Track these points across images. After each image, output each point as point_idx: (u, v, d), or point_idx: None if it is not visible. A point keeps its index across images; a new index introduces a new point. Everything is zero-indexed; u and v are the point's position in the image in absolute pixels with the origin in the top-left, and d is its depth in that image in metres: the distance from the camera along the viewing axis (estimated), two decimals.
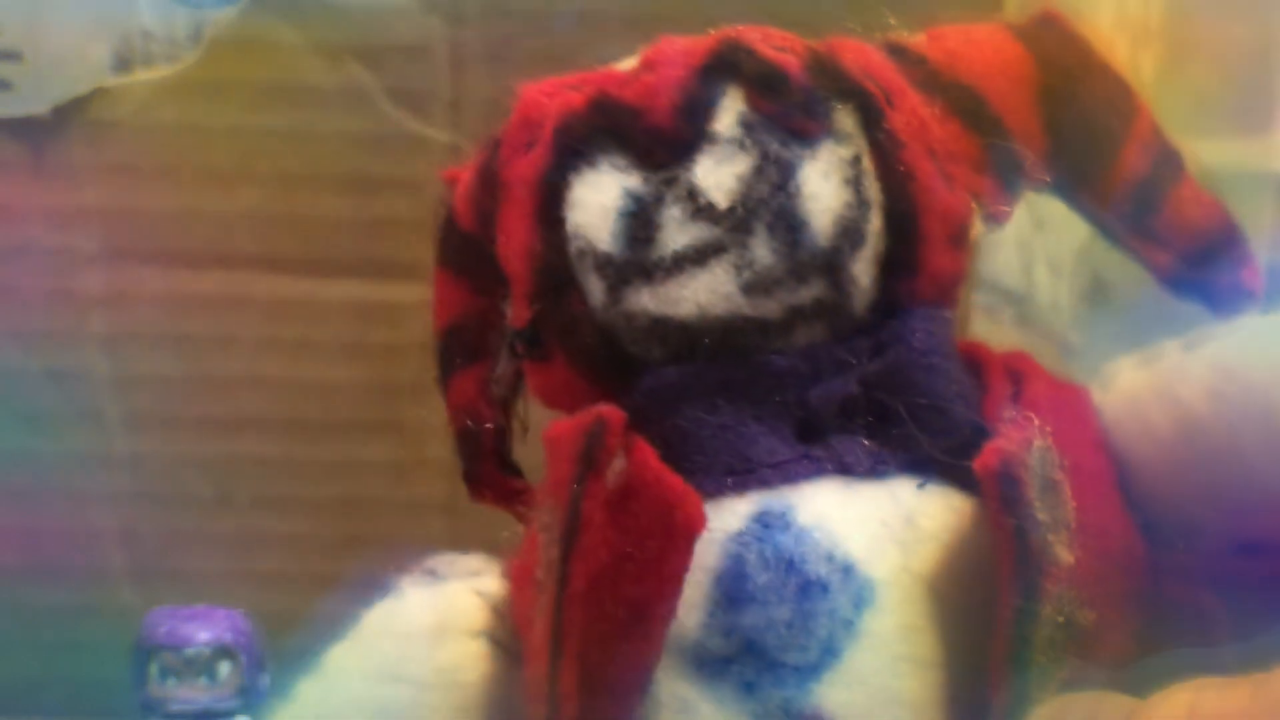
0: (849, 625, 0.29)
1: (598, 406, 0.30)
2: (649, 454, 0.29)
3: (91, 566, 0.58)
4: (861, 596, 0.29)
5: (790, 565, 0.29)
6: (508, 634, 0.33)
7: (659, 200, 0.31)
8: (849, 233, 0.31)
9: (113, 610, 0.57)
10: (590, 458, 0.29)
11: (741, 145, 0.31)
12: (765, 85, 0.31)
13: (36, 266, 0.55)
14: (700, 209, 0.31)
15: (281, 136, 0.55)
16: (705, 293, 0.31)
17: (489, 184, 0.34)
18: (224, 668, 0.48)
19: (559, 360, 0.33)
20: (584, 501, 0.29)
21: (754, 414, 0.31)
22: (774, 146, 0.31)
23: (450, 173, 0.37)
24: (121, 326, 0.56)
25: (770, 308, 0.31)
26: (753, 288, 0.31)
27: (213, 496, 0.58)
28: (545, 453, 0.32)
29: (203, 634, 0.47)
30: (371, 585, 0.40)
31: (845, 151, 0.31)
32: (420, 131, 0.55)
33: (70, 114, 0.54)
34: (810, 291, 0.31)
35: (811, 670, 0.29)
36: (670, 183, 0.31)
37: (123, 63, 0.54)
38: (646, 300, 0.31)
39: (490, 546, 0.58)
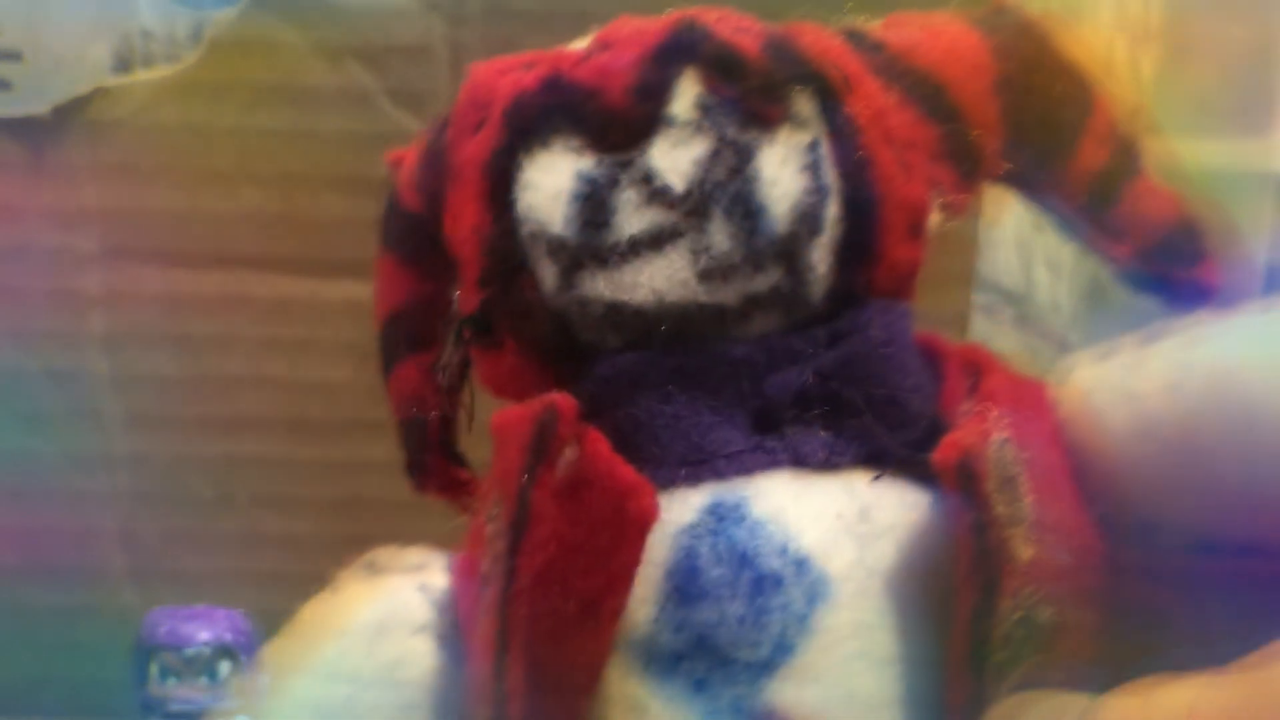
0: (803, 621, 0.29)
1: (549, 394, 0.29)
2: (601, 443, 0.29)
3: (91, 567, 0.58)
4: (816, 591, 0.29)
5: (743, 559, 0.29)
6: (451, 629, 0.33)
7: (613, 183, 0.30)
8: (807, 219, 0.30)
9: (112, 610, 0.57)
10: (541, 447, 0.29)
11: (698, 128, 0.30)
12: (722, 68, 0.30)
13: (36, 266, 0.55)
14: (656, 193, 0.30)
15: (282, 137, 0.55)
16: (661, 279, 0.30)
17: (436, 165, 0.34)
18: (224, 667, 0.48)
19: (509, 347, 0.32)
20: (533, 492, 0.29)
21: (709, 404, 0.30)
22: (731, 130, 0.30)
23: (394, 155, 0.37)
24: (121, 326, 0.56)
25: (727, 295, 0.30)
26: (709, 274, 0.30)
27: (213, 496, 0.58)
28: (493, 442, 0.31)
29: (203, 634, 0.47)
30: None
31: (803, 137, 0.30)
32: (421, 131, 0.55)
33: (70, 114, 0.54)
34: (767, 279, 0.30)
35: (764, 667, 0.29)
36: (625, 165, 0.30)
37: (123, 63, 0.54)
38: (601, 286, 0.30)
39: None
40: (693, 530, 0.29)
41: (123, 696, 0.50)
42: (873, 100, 0.31)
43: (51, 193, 0.55)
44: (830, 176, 0.30)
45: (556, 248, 0.31)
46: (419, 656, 0.33)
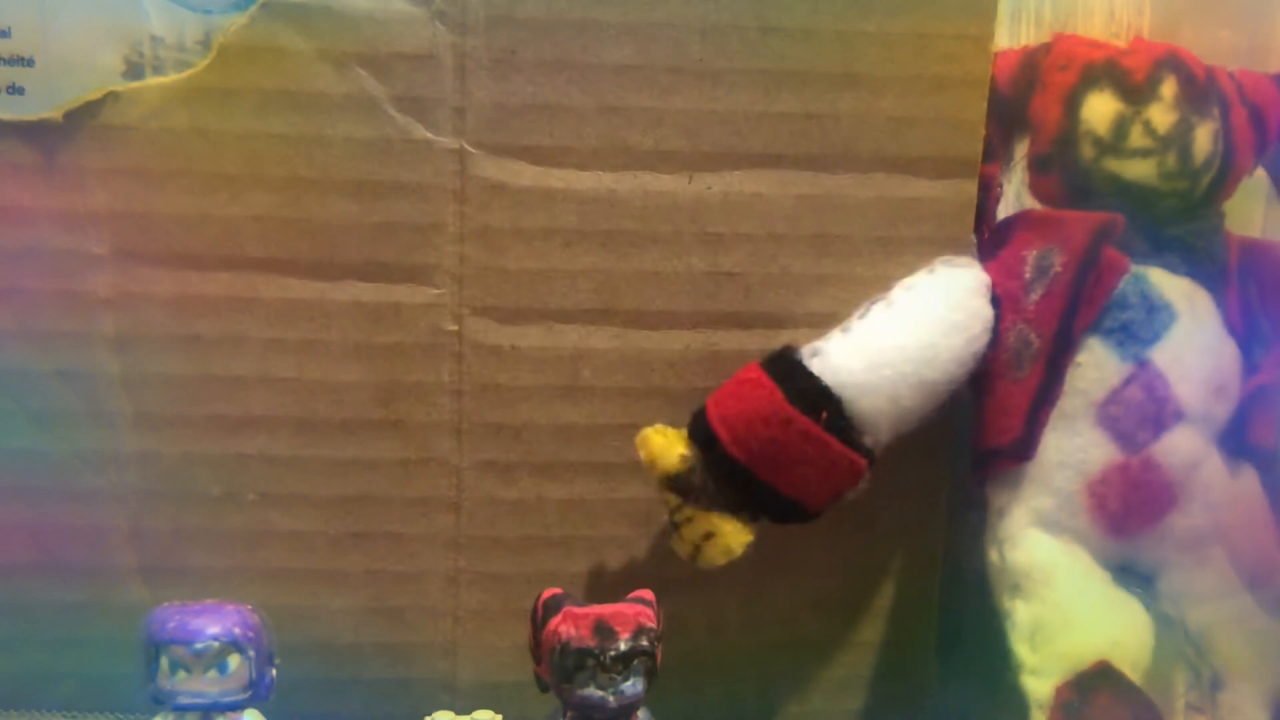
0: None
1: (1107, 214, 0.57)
2: None
3: (100, 564, 0.58)
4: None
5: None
6: None
7: (1133, 119, 0.57)
8: (1209, 164, 0.58)
9: (122, 606, 0.58)
10: (1098, 240, 0.57)
11: (1173, 107, 0.57)
12: (1188, 79, 0.57)
13: (46, 268, 0.56)
14: (1150, 131, 0.57)
15: (289, 141, 0.55)
16: (1142, 173, 0.57)
17: (1030, 73, 0.59)
18: (233, 661, 0.49)
19: (1055, 179, 0.59)
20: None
21: None
22: (1187, 112, 0.57)
23: (1000, 52, 0.60)
24: (131, 327, 0.57)
25: (1176, 186, 0.58)
26: (1166, 176, 0.57)
27: (220, 494, 0.58)
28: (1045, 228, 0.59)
29: (212, 628, 0.48)
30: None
31: (1214, 124, 0.58)
32: (426, 137, 0.56)
33: (81, 118, 0.55)
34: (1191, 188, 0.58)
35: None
36: (1138, 113, 0.57)
37: (133, 68, 0.55)
38: (1115, 167, 0.57)
39: (492, 544, 0.60)
40: None
41: (132, 691, 0.51)
42: (1240, 112, 0.59)
43: (62, 195, 0.55)
44: (1221, 145, 0.58)
45: (1097, 140, 0.57)
46: None
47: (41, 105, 0.55)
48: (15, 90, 0.55)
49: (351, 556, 0.60)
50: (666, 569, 0.58)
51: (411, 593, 0.60)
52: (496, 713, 0.56)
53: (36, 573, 0.58)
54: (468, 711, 0.56)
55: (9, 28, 0.55)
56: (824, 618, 0.64)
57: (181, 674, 0.48)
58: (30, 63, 0.55)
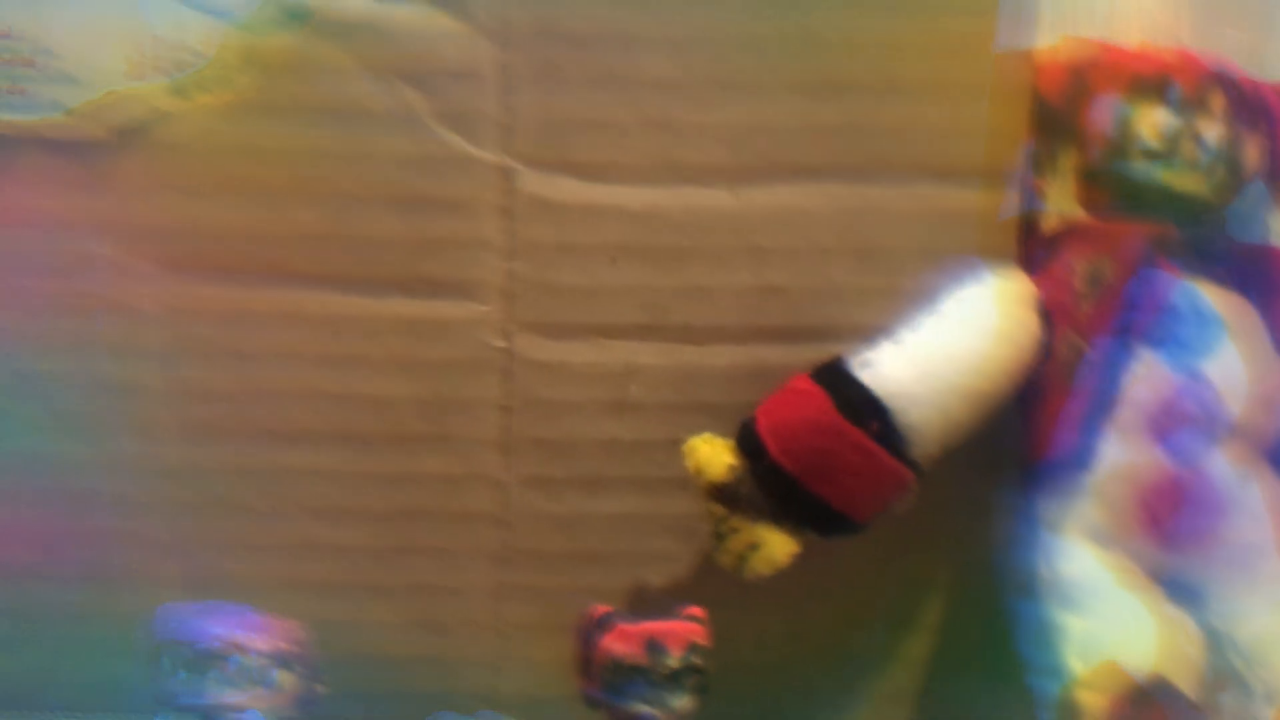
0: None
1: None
2: None
3: (146, 574, 0.59)
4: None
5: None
6: None
7: (1183, 132, 0.57)
8: (1257, 177, 0.59)
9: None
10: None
11: (1224, 116, 0.57)
12: (1236, 92, 0.57)
13: (96, 282, 0.56)
14: (1201, 144, 0.57)
15: (335, 157, 0.56)
16: (1193, 185, 0.57)
17: (1081, 82, 0.59)
18: (282, 676, 0.49)
19: (1104, 190, 0.59)
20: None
21: None
22: (1235, 122, 0.57)
23: (1045, 58, 0.60)
24: (178, 341, 0.57)
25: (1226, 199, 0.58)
26: (1217, 189, 0.57)
27: (266, 508, 0.59)
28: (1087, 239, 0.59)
29: (260, 644, 0.48)
30: None
31: (1263, 138, 0.58)
32: (470, 152, 0.56)
33: (131, 136, 0.55)
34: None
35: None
36: (1189, 126, 0.57)
37: (180, 87, 0.55)
38: (1166, 179, 0.57)
39: (537, 558, 0.60)
40: None
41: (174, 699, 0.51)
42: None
43: (112, 211, 0.56)
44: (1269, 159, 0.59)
45: (1148, 151, 0.57)
46: None
47: (88, 124, 0.55)
48: (61, 108, 0.55)
49: (397, 571, 0.60)
50: (710, 584, 0.58)
51: (456, 607, 0.61)
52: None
53: (80, 582, 0.58)
54: None
55: (50, 47, 0.55)
56: (868, 632, 0.64)
57: (227, 687, 0.48)
58: (75, 82, 0.55)
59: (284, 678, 0.49)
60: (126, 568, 0.59)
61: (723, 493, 0.54)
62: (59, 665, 0.60)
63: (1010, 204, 0.59)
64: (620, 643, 0.48)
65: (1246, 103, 0.58)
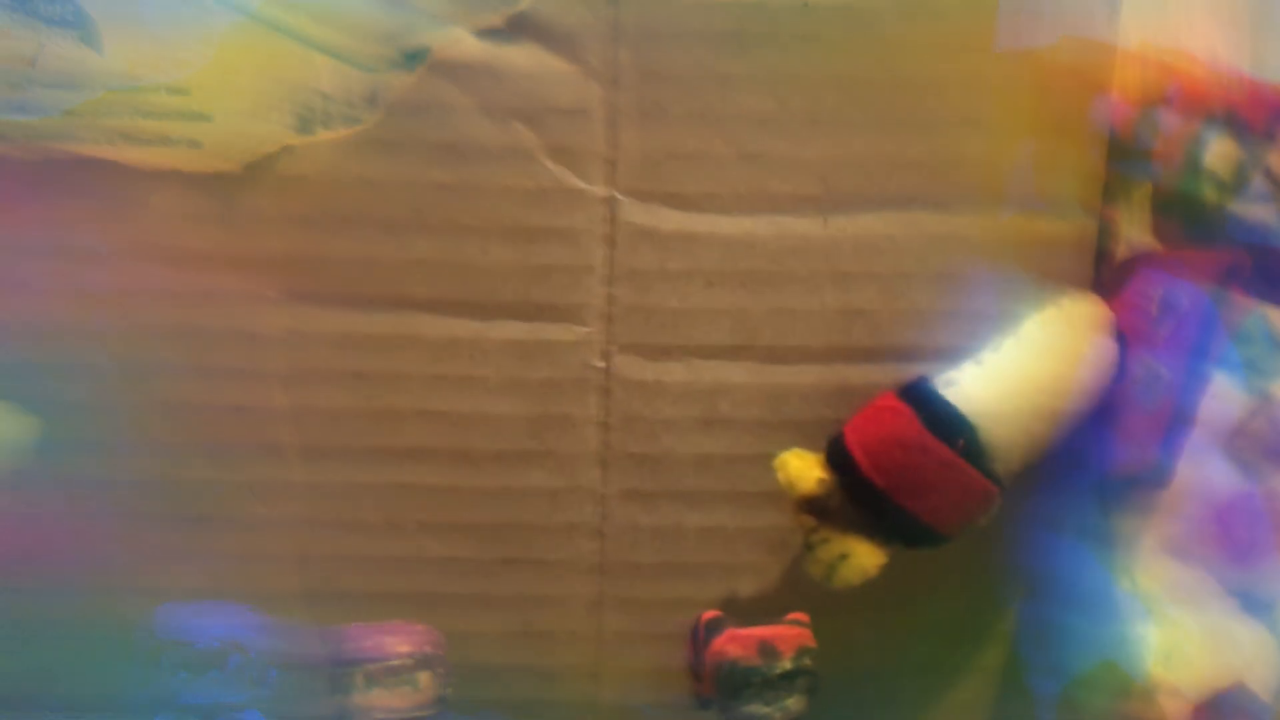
0: None
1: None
2: None
3: (267, 589, 0.62)
4: None
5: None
6: None
7: (1253, 165, 0.59)
8: None
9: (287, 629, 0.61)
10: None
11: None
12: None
13: (223, 309, 0.59)
14: (1271, 177, 0.58)
15: (450, 190, 0.59)
16: (1263, 216, 0.59)
17: (1150, 116, 0.60)
18: (423, 678, 0.52)
19: (1176, 221, 0.61)
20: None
21: None
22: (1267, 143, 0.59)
23: (1122, 100, 0.62)
24: (300, 364, 0.60)
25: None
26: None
27: (381, 522, 0.62)
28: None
29: (403, 646, 0.51)
30: None
31: None
32: (576, 185, 0.59)
33: (258, 170, 0.58)
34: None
35: None
36: (1258, 159, 0.58)
37: (305, 124, 0.58)
38: (1237, 210, 0.59)
39: (634, 569, 0.62)
40: None
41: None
42: None
43: (239, 242, 0.59)
44: None
45: (1219, 184, 0.59)
46: None
47: (218, 158, 0.58)
48: (194, 145, 0.59)
49: (501, 581, 0.63)
50: (798, 595, 0.60)
51: (557, 616, 0.63)
52: None
53: (212, 599, 0.61)
54: None
55: (189, 87, 0.58)
56: (949, 642, 0.66)
57: (376, 689, 0.51)
58: (207, 118, 0.59)
59: (424, 678, 0.52)
60: (247, 584, 0.61)
61: (813, 505, 0.57)
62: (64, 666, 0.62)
63: (1087, 232, 0.62)
64: (733, 645, 0.50)
65: None
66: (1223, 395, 0.59)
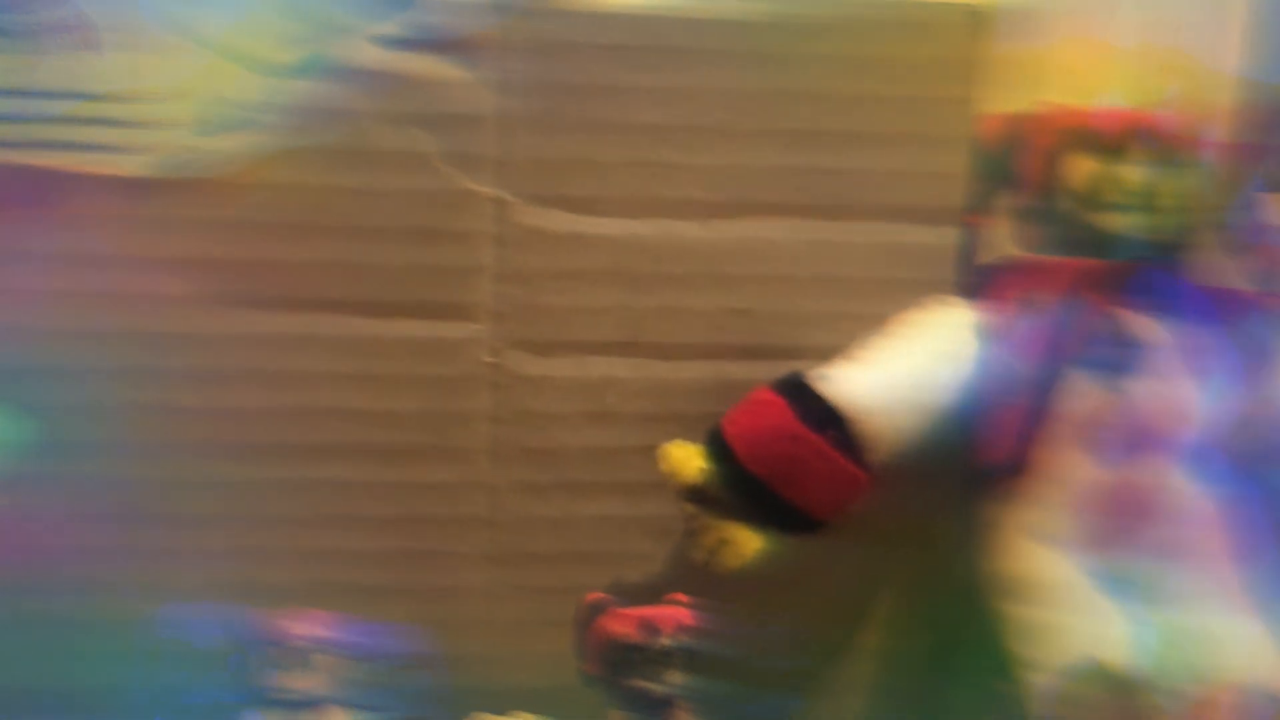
0: None
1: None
2: None
3: (176, 583, 0.63)
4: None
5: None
6: None
7: (1108, 177, 0.62)
8: (1174, 217, 0.64)
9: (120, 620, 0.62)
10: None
11: (1145, 163, 0.62)
12: (1156, 141, 0.63)
13: (128, 309, 0.61)
14: (1123, 188, 0.62)
15: (350, 193, 0.61)
16: (1116, 224, 0.63)
17: (1014, 131, 0.64)
18: (321, 661, 0.53)
19: (1037, 229, 0.65)
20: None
21: None
22: (1157, 169, 0.63)
23: (989, 118, 0.66)
24: (207, 363, 0.62)
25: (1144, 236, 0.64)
26: (1137, 228, 0.63)
27: (283, 516, 0.63)
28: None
29: (303, 630, 0.53)
30: None
31: (1179, 182, 0.64)
32: (469, 188, 0.62)
33: (167, 174, 0.60)
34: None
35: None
36: (1112, 172, 0.62)
37: (208, 128, 0.60)
38: (1092, 219, 0.63)
39: (527, 559, 0.65)
40: None
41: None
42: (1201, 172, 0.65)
43: (146, 244, 0.60)
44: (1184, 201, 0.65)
45: (1076, 195, 0.63)
46: None
47: (131, 161, 0.60)
48: (111, 149, 0.60)
49: (399, 572, 0.65)
50: (685, 580, 0.63)
51: (453, 605, 0.65)
52: (532, 715, 0.61)
53: (120, 589, 0.62)
54: (505, 715, 0.61)
55: (100, 94, 0.60)
56: (828, 625, 0.69)
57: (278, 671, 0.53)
58: (121, 124, 0.60)
59: (322, 663, 0.53)
60: (158, 576, 0.63)
61: (695, 493, 0.60)
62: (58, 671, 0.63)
63: (954, 239, 0.66)
64: (616, 624, 0.53)
65: (1165, 150, 0.64)
66: (1080, 391, 0.62)
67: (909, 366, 0.61)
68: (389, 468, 0.64)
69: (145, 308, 0.61)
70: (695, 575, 0.61)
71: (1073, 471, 0.63)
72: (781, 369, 0.62)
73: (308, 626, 0.55)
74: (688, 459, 0.59)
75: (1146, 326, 0.64)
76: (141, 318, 0.61)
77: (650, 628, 0.53)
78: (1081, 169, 0.64)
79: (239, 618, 0.56)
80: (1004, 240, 0.68)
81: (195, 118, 0.60)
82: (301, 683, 0.54)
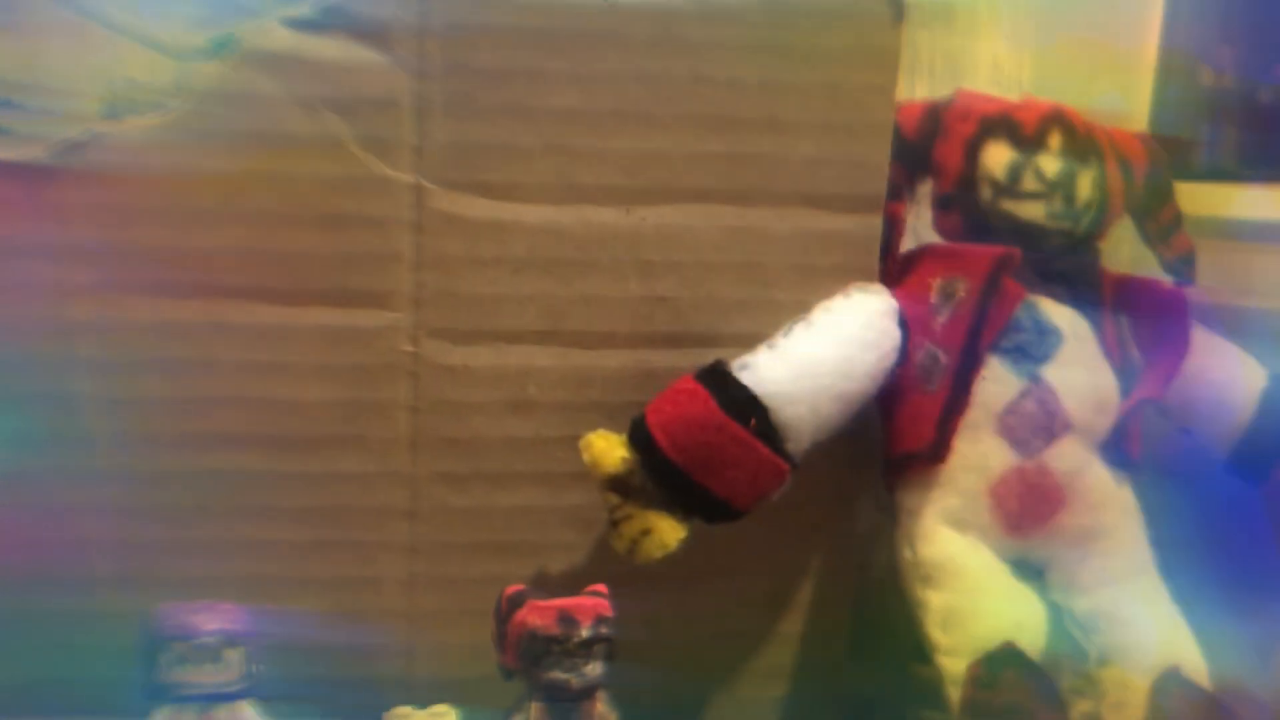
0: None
1: (1004, 248, 0.64)
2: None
3: (84, 575, 0.62)
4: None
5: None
6: None
7: (1025, 166, 0.65)
8: (1089, 207, 0.66)
9: (110, 613, 0.61)
10: (997, 273, 0.63)
11: (1061, 153, 0.65)
12: (1071, 132, 0.66)
13: (33, 297, 0.59)
14: (1040, 177, 0.65)
15: (261, 178, 0.59)
16: (1033, 213, 0.65)
17: (934, 122, 0.68)
18: (230, 655, 0.53)
19: (956, 216, 0.67)
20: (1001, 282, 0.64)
21: None
22: (1072, 160, 0.65)
23: (903, 104, 0.67)
24: (110, 352, 0.60)
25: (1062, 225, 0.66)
26: (1054, 217, 0.65)
27: (195, 507, 0.62)
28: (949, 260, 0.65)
29: (211, 625, 0.52)
30: None
31: (1094, 173, 0.66)
32: (385, 173, 0.60)
33: (67, 158, 0.58)
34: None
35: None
36: (1030, 161, 0.65)
37: (113, 111, 0.58)
38: (1010, 207, 0.65)
39: (446, 549, 0.64)
40: None
41: (129, 695, 0.55)
42: (1113, 163, 0.67)
43: (48, 230, 0.59)
44: (1099, 191, 0.67)
45: (994, 183, 0.65)
46: None
47: (27, 146, 0.58)
48: (2, 131, 0.58)
49: (315, 564, 0.64)
50: (606, 570, 0.62)
51: (371, 596, 0.65)
52: (452, 706, 0.60)
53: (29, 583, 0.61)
54: (425, 706, 0.60)
55: (5, 75, 0.58)
56: (749, 612, 0.69)
57: (185, 667, 0.52)
58: (14, 106, 0.58)
59: (231, 656, 0.53)
60: (64, 568, 0.61)
61: (616, 483, 0.59)
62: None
63: (874, 226, 0.66)
64: (534, 616, 0.53)
65: (1080, 141, 0.65)
66: (996, 378, 0.63)
67: (828, 354, 0.61)
68: (306, 458, 0.63)
69: (49, 297, 0.59)
70: (616, 565, 0.60)
71: (989, 459, 0.63)
72: (704, 357, 0.62)
73: (220, 619, 0.54)
74: (610, 449, 0.59)
75: (1061, 315, 0.65)
76: (45, 307, 0.59)
77: (569, 620, 0.53)
78: (1000, 158, 0.65)
79: (149, 612, 0.55)
80: (923, 228, 0.69)
81: (101, 101, 0.58)
82: (213, 677, 0.53)
